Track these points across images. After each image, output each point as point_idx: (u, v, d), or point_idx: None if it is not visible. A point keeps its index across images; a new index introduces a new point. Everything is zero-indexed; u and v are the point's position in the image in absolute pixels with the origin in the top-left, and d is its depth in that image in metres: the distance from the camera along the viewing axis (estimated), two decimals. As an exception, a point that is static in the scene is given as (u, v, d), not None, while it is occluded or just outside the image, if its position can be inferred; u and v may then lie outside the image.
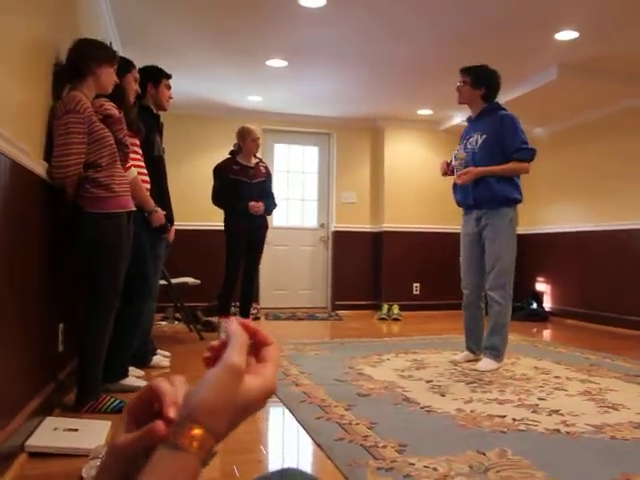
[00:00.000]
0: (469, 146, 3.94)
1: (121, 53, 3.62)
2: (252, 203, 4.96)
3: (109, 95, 2.97)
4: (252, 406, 0.52)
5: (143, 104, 3.82)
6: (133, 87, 3.37)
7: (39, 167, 2.47)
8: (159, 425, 0.50)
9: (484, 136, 3.84)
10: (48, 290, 2.66)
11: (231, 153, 5.23)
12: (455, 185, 4.06)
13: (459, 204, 4.11)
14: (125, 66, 3.31)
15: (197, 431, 0.48)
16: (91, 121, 2.66)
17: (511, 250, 3.84)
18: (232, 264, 5.10)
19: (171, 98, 3.97)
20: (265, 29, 4.61)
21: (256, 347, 0.56)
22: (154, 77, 3.86)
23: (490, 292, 3.84)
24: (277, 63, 5.42)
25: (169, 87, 3.94)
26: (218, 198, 5.13)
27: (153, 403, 0.54)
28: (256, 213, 4.98)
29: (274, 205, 5.31)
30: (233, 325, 0.54)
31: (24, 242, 2.26)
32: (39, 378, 2.53)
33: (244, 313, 5.24)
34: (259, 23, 4.49)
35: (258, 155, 5.25)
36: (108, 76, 2.85)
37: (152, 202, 3.45)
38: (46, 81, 2.67)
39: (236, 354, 0.51)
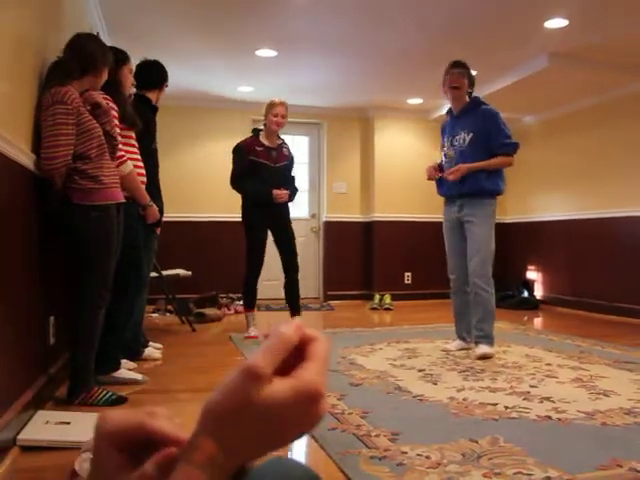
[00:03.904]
0: (456, 143, 4.01)
1: (107, 42, 3.58)
2: (276, 191, 4.50)
3: (104, 87, 2.97)
4: (284, 416, 0.41)
5: (142, 95, 3.80)
6: (129, 79, 3.36)
7: (27, 159, 2.45)
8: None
9: (471, 134, 3.92)
10: (38, 283, 2.64)
11: (254, 131, 4.77)
12: (440, 179, 4.16)
13: (444, 196, 4.22)
14: (120, 57, 3.28)
15: (202, 439, 0.40)
16: (79, 112, 2.64)
17: (493, 238, 3.92)
18: (253, 256, 4.65)
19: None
20: (254, 19, 4.57)
21: (301, 348, 0.44)
22: (166, 79, 3.94)
23: (476, 279, 3.85)
24: (266, 53, 5.39)
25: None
26: (237, 182, 4.61)
27: (143, 435, 0.44)
28: (280, 202, 4.55)
29: (296, 191, 4.84)
30: (280, 325, 0.44)
31: (12, 235, 2.24)
32: (30, 371, 2.52)
33: (295, 312, 4.78)
34: (248, 13, 4.46)
35: (282, 137, 4.83)
36: (104, 76, 2.88)
37: (147, 197, 3.42)
38: (32, 72, 2.64)
39: (260, 355, 0.41)
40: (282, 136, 4.84)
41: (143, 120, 3.49)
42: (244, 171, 4.54)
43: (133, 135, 3.37)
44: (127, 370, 3.29)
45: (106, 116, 2.85)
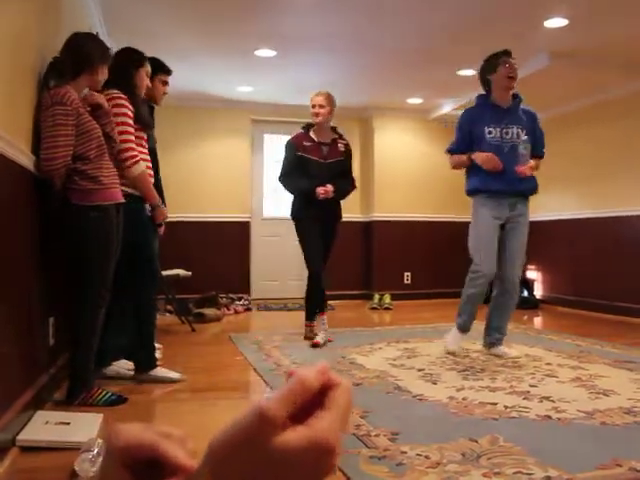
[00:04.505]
0: (507, 137, 3.79)
1: (107, 41, 3.58)
2: (319, 188, 4.27)
3: (120, 87, 2.99)
4: (290, 465, 0.38)
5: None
6: (145, 82, 3.34)
7: (27, 160, 2.45)
8: None
9: (524, 131, 3.81)
10: (38, 284, 2.64)
11: (305, 126, 4.59)
12: (481, 171, 3.76)
13: (494, 192, 3.79)
14: (137, 59, 3.28)
15: (204, 475, 0.39)
16: (79, 113, 2.64)
17: None
18: (311, 250, 4.39)
19: (165, 94, 3.86)
20: (253, 19, 4.57)
21: (322, 392, 0.41)
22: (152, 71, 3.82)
23: (516, 281, 3.80)
24: (266, 53, 5.38)
25: (165, 83, 3.82)
26: (282, 178, 4.50)
27: (154, 456, 0.43)
28: (322, 198, 4.30)
29: (352, 188, 4.64)
30: (302, 369, 0.41)
31: (13, 236, 2.24)
32: (30, 372, 2.52)
33: (320, 310, 4.53)
34: (247, 14, 4.45)
35: (338, 131, 4.64)
36: (102, 74, 2.86)
37: (157, 197, 3.42)
38: (32, 72, 2.64)
39: (275, 399, 0.39)
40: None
41: None
42: (292, 167, 4.41)
43: (145, 136, 3.37)
44: (160, 368, 3.31)
45: (107, 117, 2.85)
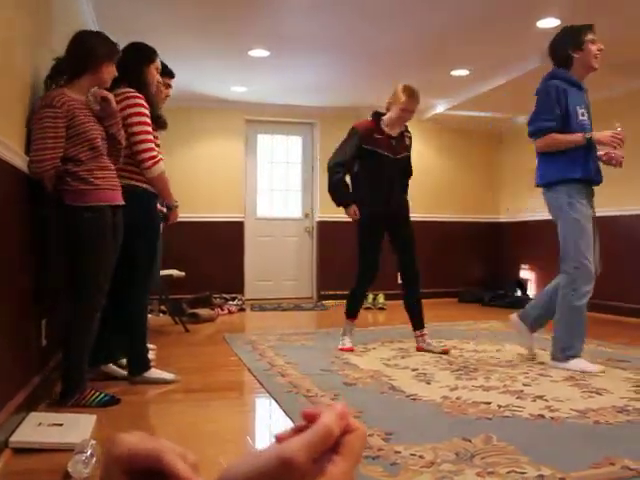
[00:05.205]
0: (589, 120, 3.49)
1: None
2: (351, 211, 4.04)
3: (135, 86, 2.99)
4: None
5: None
6: (156, 78, 3.30)
7: (20, 161, 2.44)
8: None
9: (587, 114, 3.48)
10: (31, 285, 2.63)
11: (375, 115, 4.08)
12: (574, 158, 3.40)
13: (592, 182, 3.51)
14: (147, 55, 3.25)
15: None
16: (72, 115, 2.63)
17: None
18: (366, 258, 4.15)
19: (168, 96, 3.84)
20: (247, 19, 4.56)
21: (339, 438, 0.41)
22: None
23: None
24: (259, 53, 5.37)
25: (168, 85, 3.79)
26: (334, 168, 3.98)
27: (156, 467, 0.43)
28: (352, 219, 4.07)
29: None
30: (325, 415, 0.41)
31: (5, 236, 2.23)
32: (23, 373, 2.51)
33: (418, 326, 4.19)
34: (241, 14, 4.44)
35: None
36: (107, 72, 2.81)
37: (174, 198, 3.40)
38: (24, 73, 2.62)
39: (300, 446, 0.39)
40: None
41: None
42: (349, 158, 3.93)
43: (159, 136, 3.36)
44: (157, 370, 3.29)
45: (112, 118, 2.82)
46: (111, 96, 2.82)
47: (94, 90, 2.77)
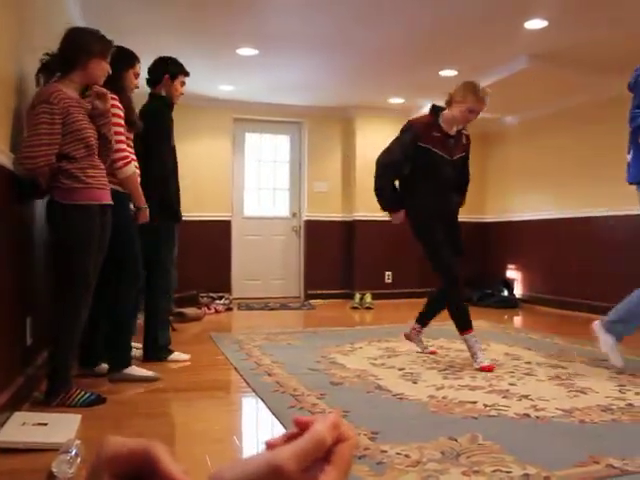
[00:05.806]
0: None
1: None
2: (395, 218, 3.82)
3: (109, 87, 2.97)
4: None
5: (157, 93, 3.86)
6: (134, 83, 3.40)
7: (5, 158, 2.42)
8: None
9: None
10: (15, 283, 2.61)
11: (433, 110, 3.72)
12: None
13: None
14: (127, 60, 3.32)
15: None
16: (68, 112, 2.61)
17: None
18: (442, 257, 3.66)
19: (182, 94, 4.01)
20: (235, 17, 4.55)
21: (331, 447, 0.41)
22: (173, 71, 3.90)
23: None
24: (248, 52, 5.36)
25: (183, 83, 3.99)
26: (386, 168, 3.78)
27: (146, 467, 0.41)
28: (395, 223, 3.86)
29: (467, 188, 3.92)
30: (318, 424, 0.41)
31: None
32: (7, 372, 2.48)
33: (423, 321, 3.96)
34: (229, 12, 4.43)
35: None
36: (98, 69, 2.80)
37: (143, 199, 3.42)
38: (6, 72, 2.59)
39: (291, 455, 0.39)
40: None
41: (159, 116, 3.71)
42: (403, 157, 3.65)
43: (131, 136, 3.38)
44: (137, 367, 3.31)
45: (104, 118, 2.81)
46: (108, 94, 2.82)
47: (96, 88, 2.77)
